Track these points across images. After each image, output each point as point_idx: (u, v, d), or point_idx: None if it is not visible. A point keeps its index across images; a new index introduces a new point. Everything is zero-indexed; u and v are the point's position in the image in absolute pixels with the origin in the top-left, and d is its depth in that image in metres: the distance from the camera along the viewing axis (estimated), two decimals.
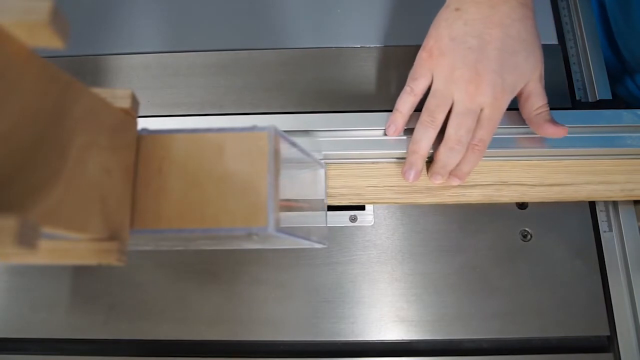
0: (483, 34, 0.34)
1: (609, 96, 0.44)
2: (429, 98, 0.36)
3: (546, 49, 0.45)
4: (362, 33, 0.48)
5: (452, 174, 0.38)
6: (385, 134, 0.40)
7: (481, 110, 0.35)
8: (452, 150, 0.36)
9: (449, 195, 0.40)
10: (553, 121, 0.37)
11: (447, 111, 0.36)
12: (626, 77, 0.54)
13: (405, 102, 0.38)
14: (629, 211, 0.40)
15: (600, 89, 0.45)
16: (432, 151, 0.38)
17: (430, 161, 0.39)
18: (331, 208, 0.41)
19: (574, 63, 0.47)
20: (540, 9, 0.49)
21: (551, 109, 0.38)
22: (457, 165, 0.37)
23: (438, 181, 0.39)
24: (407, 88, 0.38)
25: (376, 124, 0.40)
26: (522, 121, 0.39)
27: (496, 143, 0.39)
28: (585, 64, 0.46)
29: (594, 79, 0.45)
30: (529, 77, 0.36)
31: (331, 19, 0.49)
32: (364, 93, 0.45)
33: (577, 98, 0.45)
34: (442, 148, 0.37)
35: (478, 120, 0.35)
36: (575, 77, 0.46)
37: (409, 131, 0.39)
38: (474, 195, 0.40)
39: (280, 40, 0.48)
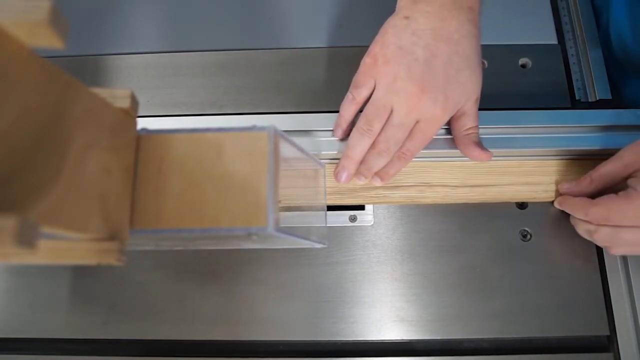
0: (431, 47, 0.34)
1: (608, 96, 0.44)
2: (368, 105, 0.36)
3: (546, 49, 0.46)
4: (361, 33, 0.48)
5: (375, 174, 0.39)
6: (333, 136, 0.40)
7: (417, 122, 0.35)
8: (380, 156, 0.36)
9: (370, 197, 0.40)
10: (480, 144, 0.37)
11: (384, 120, 0.35)
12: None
13: (348, 110, 0.38)
14: None
15: (600, 89, 0.45)
16: None
17: None
18: (331, 208, 0.41)
19: (573, 63, 0.47)
20: (540, 9, 0.49)
21: (551, 109, 0.38)
22: (383, 167, 0.38)
23: (361, 182, 0.39)
24: (349, 95, 0.37)
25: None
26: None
27: None
28: (585, 64, 0.46)
29: (593, 79, 0.45)
30: (470, 97, 0.35)
31: (330, 19, 0.49)
32: None
33: (577, 98, 0.45)
34: (370, 152, 0.37)
35: (411, 131, 0.35)
36: (574, 77, 0.46)
37: None
38: (396, 197, 0.40)
39: (279, 40, 0.48)
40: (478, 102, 0.37)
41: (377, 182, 0.39)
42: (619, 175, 0.35)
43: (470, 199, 0.40)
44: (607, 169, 0.35)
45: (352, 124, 0.38)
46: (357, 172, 0.39)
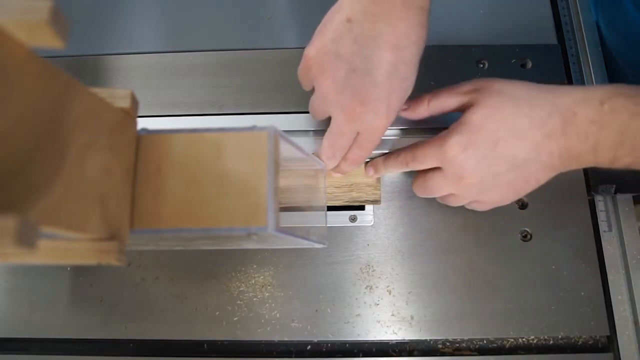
0: (373, 57, 0.30)
1: None
2: (309, 106, 0.35)
3: (546, 49, 0.46)
4: None
5: (332, 170, 0.38)
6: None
7: (359, 132, 0.33)
8: (328, 159, 0.36)
9: None
10: None
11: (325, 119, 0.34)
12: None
13: None
14: (628, 211, 0.40)
15: None
16: None
17: None
18: (331, 208, 0.41)
19: (573, 63, 0.47)
20: (540, 9, 0.49)
21: None
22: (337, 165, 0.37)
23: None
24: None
25: None
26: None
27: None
28: (585, 64, 0.46)
29: (593, 79, 0.45)
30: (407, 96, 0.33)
31: None
32: None
33: None
34: (322, 156, 0.36)
35: (356, 140, 0.33)
36: (575, 77, 0.46)
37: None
38: None
39: (279, 40, 0.48)
40: None
41: (337, 175, 0.39)
42: (454, 109, 0.34)
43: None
44: (444, 100, 0.34)
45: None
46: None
